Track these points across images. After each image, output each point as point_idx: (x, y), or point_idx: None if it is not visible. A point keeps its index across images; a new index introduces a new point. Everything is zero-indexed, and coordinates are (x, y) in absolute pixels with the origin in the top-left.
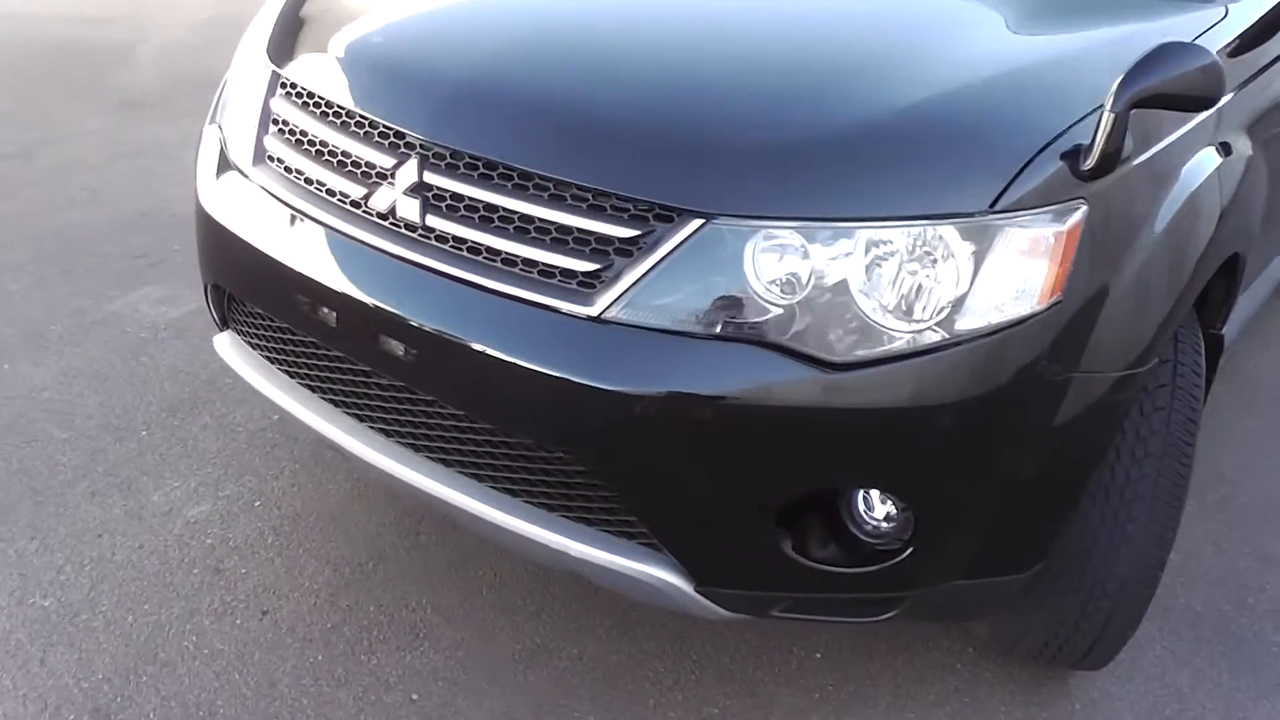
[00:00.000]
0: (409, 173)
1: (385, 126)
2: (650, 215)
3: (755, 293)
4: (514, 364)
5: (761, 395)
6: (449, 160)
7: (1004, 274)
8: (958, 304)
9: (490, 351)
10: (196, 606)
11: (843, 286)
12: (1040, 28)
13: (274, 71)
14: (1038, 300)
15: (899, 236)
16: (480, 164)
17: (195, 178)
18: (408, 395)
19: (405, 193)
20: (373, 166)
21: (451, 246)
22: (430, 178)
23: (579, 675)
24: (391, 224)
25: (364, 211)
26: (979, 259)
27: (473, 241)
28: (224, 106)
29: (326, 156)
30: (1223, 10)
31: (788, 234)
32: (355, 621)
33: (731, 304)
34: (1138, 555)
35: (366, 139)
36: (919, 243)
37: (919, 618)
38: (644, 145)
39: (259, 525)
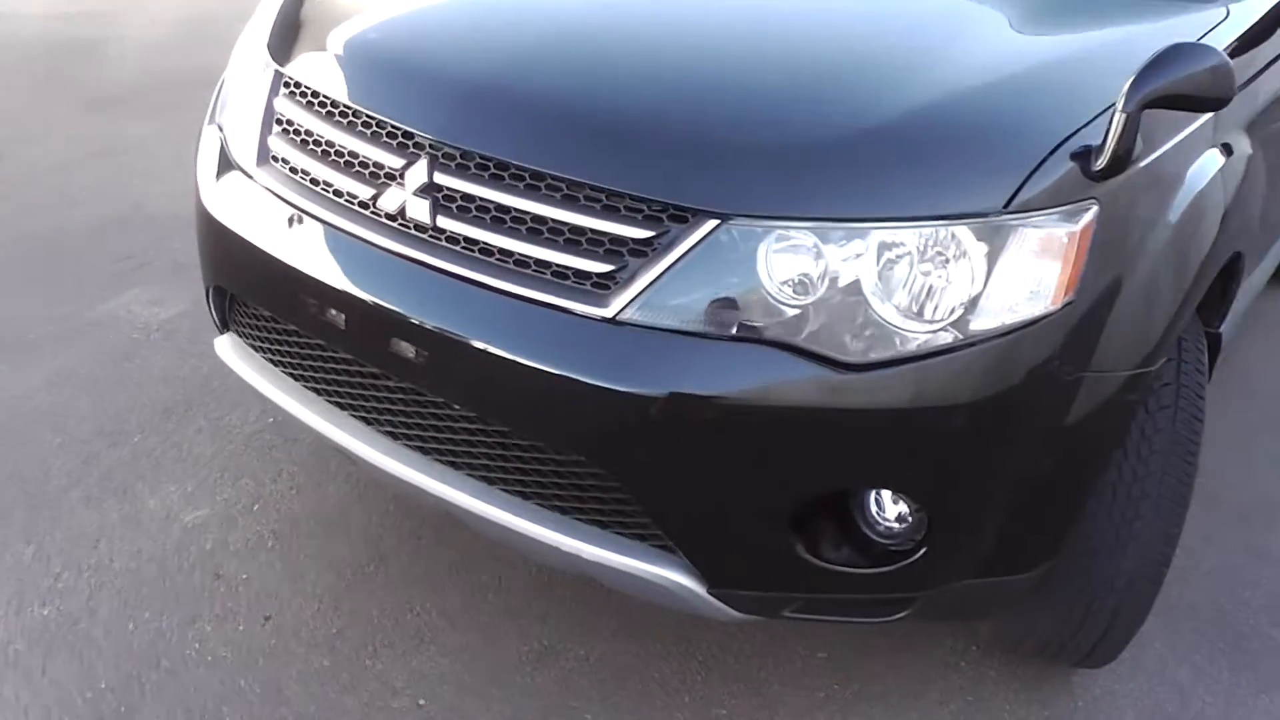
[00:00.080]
0: (419, 173)
1: (394, 126)
2: (664, 216)
3: (770, 293)
4: (527, 366)
5: (777, 396)
6: (459, 161)
7: (1018, 274)
8: (972, 304)
9: (503, 353)
10: (198, 612)
11: (857, 287)
12: (1045, 29)
13: (277, 71)
14: (1051, 301)
15: (913, 237)
16: (491, 164)
17: (196, 178)
18: (417, 397)
19: (415, 193)
20: (381, 167)
21: (462, 248)
22: (440, 178)
23: (586, 677)
24: (401, 225)
25: (372, 212)
26: (993, 259)
27: (484, 243)
28: (223, 106)
29: (333, 157)
30: (1224, 10)
31: (802, 234)
32: (359, 626)
33: (746, 305)
34: (1144, 553)
35: (374, 139)
36: (933, 243)
37: (929, 618)
38: (658, 146)
39: (258, 529)
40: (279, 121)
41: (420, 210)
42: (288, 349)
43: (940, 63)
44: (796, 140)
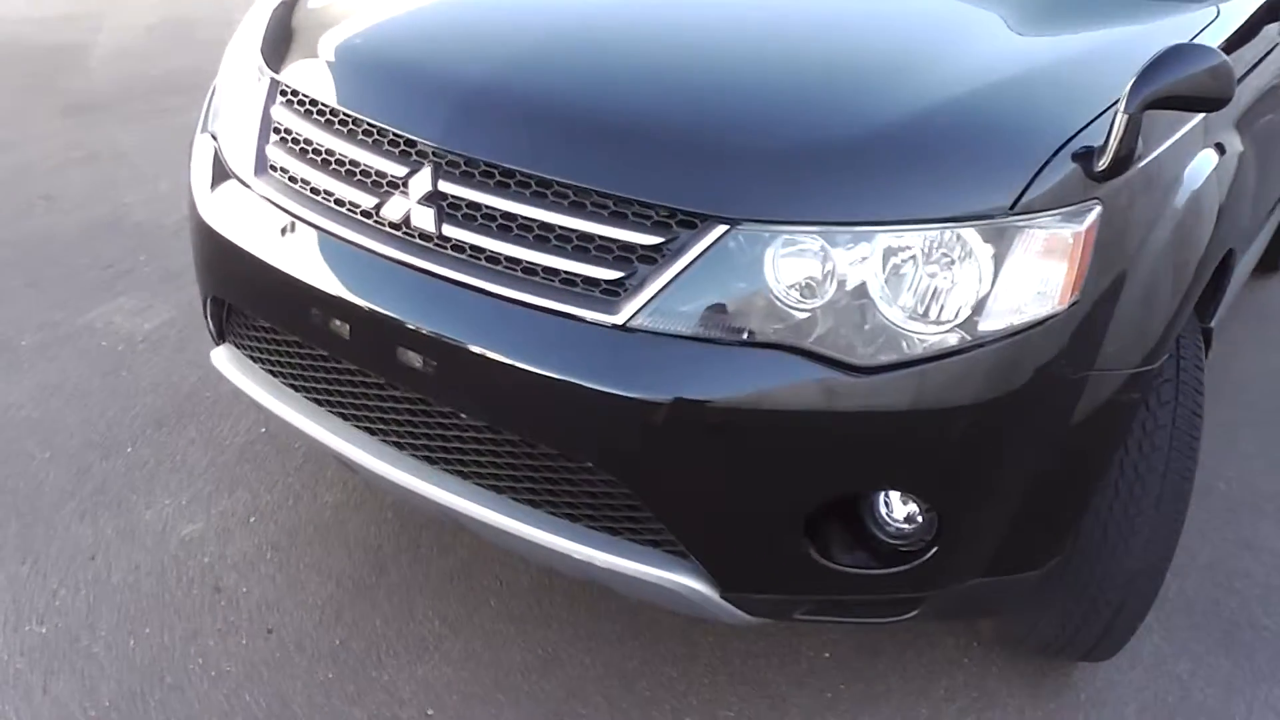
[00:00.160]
0: (422, 181)
1: (395, 134)
2: (673, 222)
3: (780, 298)
4: (536, 373)
5: (790, 400)
6: (464, 168)
7: (1025, 276)
8: (980, 306)
9: (512, 361)
10: (199, 627)
11: (867, 290)
12: (1039, 30)
13: (273, 79)
14: (1058, 301)
15: (920, 239)
16: (496, 171)
17: (190, 188)
18: (423, 407)
19: (419, 202)
20: (384, 175)
21: (469, 256)
22: (445, 186)
23: (593, 682)
24: (405, 233)
25: (375, 221)
26: (1000, 261)
27: (491, 251)
28: (216, 114)
29: (333, 165)
30: (1214, 10)
31: (811, 238)
32: (362, 636)
33: (757, 309)
34: (1147, 548)
35: (375, 147)
36: (941, 245)
37: (938, 617)
38: (666, 151)
39: (256, 541)
40: (276, 130)
41: (425, 219)
42: (288, 360)
43: (942, 64)
44: (804, 144)
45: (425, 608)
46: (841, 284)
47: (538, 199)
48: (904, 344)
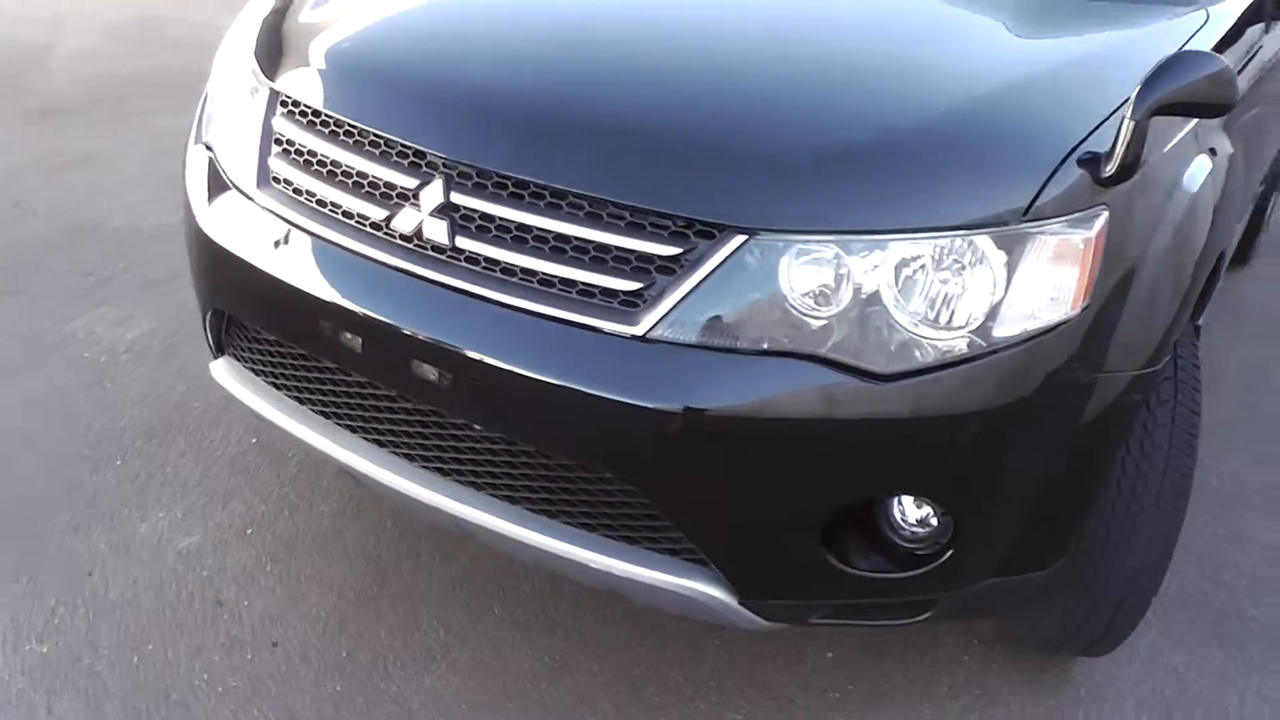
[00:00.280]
0: (434, 193)
1: (404, 145)
2: (691, 232)
3: (798, 307)
4: (555, 385)
5: (809, 408)
6: (476, 180)
7: (1038, 281)
8: (995, 313)
9: (530, 373)
10: (203, 642)
11: (884, 298)
12: (1035, 36)
13: (271, 89)
14: (1070, 306)
15: (935, 247)
16: (510, 183)
17: (187, 200)
18: (436, 419)
19: (432, 214)
20: (393, 187)
21: (484, 268)
22: (458, 198)
23: (600, 689)
24: (417, 246)
25: (386, 234)
26: (1013, 267)
27: (506, 263)
28: (209, 124)
29: (340, 178)
30: (1204, 14)
31: (826, 247)
32: (368, 647)
33: (774, 318)
34: (1148, 546)
35: (384, 159)
36: (955, 253)
37: (950, 617)
38: (683, 161)
39: (255, 553)
40: (278, 142)
41: (438, 231)
42: (293, 372)
43: (949, 71)
44: (820, 154)
45: (430, 617)
46: (858, 292)
47: (553, 210)
48: (920, 351)
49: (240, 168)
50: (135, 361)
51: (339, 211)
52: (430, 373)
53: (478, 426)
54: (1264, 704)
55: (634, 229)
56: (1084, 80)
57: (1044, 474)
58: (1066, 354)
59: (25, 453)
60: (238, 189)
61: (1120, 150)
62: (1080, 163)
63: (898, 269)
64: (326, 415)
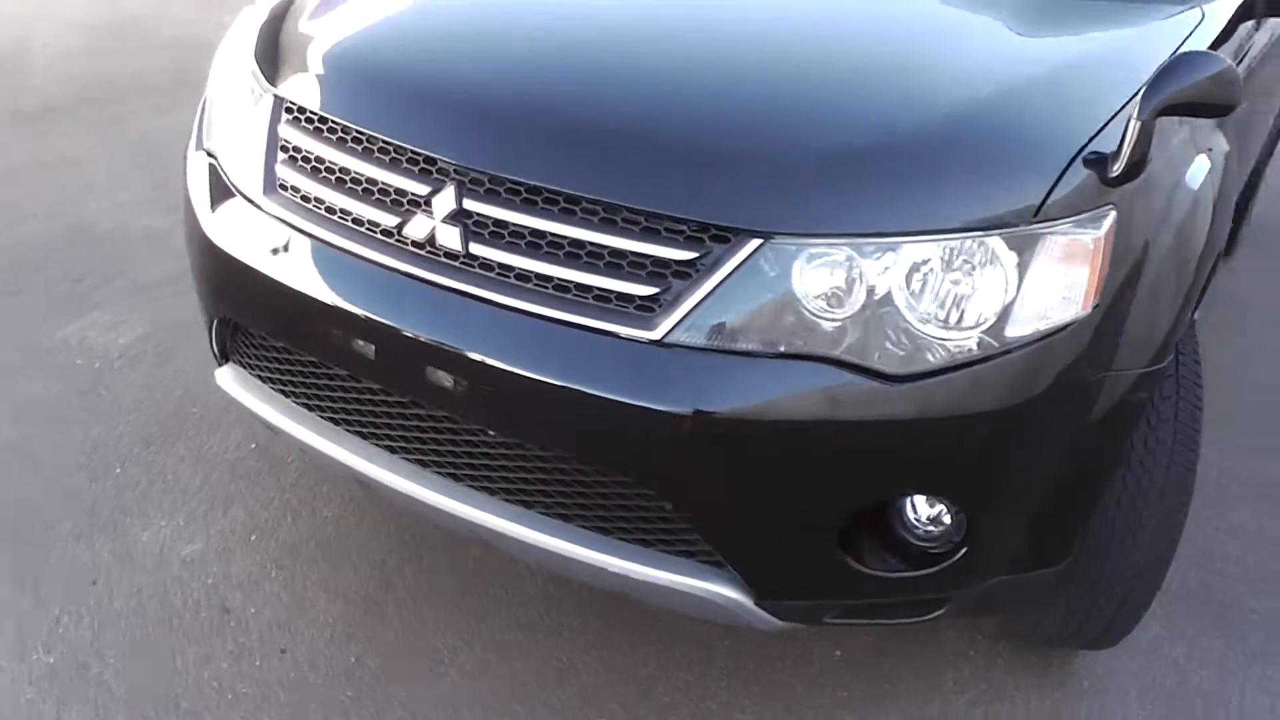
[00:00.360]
0: (446, 200)
1: (414, 152)
2: (706, 236)
3: (814, 310)
4: (572, 390)
5: (827, 410)
6: (488, 186)
7: (1049, 282)
8: (1008, 313)
9: (546, 378)
10: (211, 650)
11: (898, 300)
12: (1036, 36)
13: (276, 96)
14: (1081, 306)
15: (948, 249)
16: (523, 189)
17: (190, 207)
18: (449, 424)
19: (444, 220)
20: (404, 194)
21: (498, 274)
22: (470, 204)
23: (609, 690)
24: (430, 252)
25: (398, 240)
26: (1025, 268)
27: (521, 269)
28: (211, 130)
29: (349, 184)
30: (1199, 12)
31: (840, 250)
32: (377, 652)
33: (790, 321)
34: (1153, 541)
35: (394, 165)
36: (968, 254)
37: (961, 614)
38: (697, 166)
39: (259, 560)
40: (284, 149)
41: (451, 237)
42: (302, 379)
43: (956, 73)
44: (833, 157)
45: (436, 621)
46: (872, 295)
47: (567, 215)
48: (935, 352)
49: (246, 175)
50: (130, 367)
51: (349, 218)
52: (444, 379)
53: (492, 432)
54: (1264, 695)
55: (649, 234)
56: (1087, 80)
57: (1054, 472)
58: (1077, 353)
59: (22, 462)
60: (244, 196)
61: (1127, 150)
62: (1087, 163)
63: (910, 271)
64: (336, 421)
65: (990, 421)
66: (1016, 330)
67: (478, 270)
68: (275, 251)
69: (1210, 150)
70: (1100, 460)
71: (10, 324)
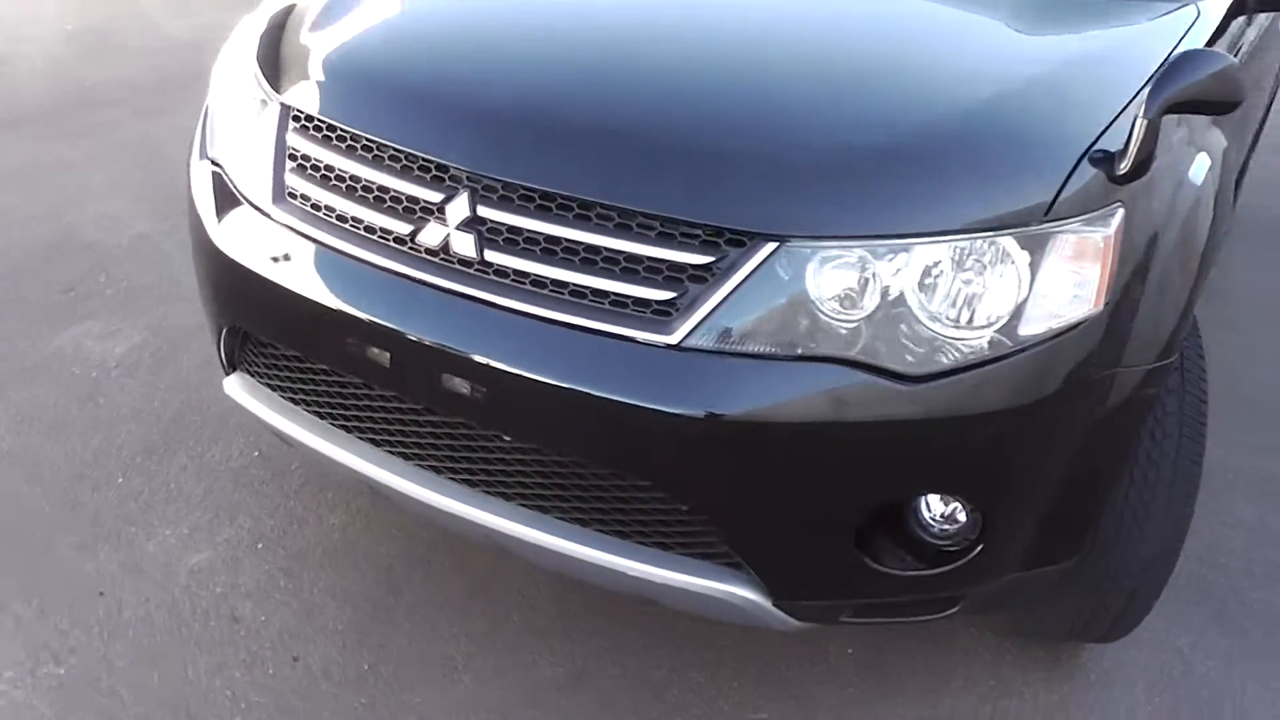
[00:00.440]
0: (460, 207)
1: (426, 159)
2: (721, 240)
3: (830, 311)
4: (590, 395)
5: (844, 411)
6: (502, 193)
7: (1061, 280)
8: (1021, 312)
9: (564, 384)
10: (223, 659)
11: (913, 301)
12: (1036, 36)
13: (283, 104)
14: (1093, 304)
15: (961, 249)
16: (536, 195)
17: (197, 216)
18: (466, 431)
19: (459, 228)
20: (416, 201)
21: (513, 280)
22: (484, 211)
23: (623, 693)
24: (444, 260)
25: (411, 248)
26: (1037, 267)
27: (536, 275)
28: (214, 139)
29: (360, 192)
30: (1195, 9)
31: (857, 252)
32: (389, 659)
33: (807, 323)
34: (1161, 533)
35: (405, 173)
36: (980, 255)
37: (975, 612)
38: (711, 170)
39: (267, 568)
40: (293, 157)
41: (465, 245)
42: (313, 387)
43: (962, 75)
44: (847, 160)
45: (448, 626)
46: (887, 296)
47: (581, 221)
48: (950, 352)
49: (254, 184)
50: (127, 376)
51: (361, 226)
52: (460, 385)
53: (508, 437)
54: (1268, 683)
55: (664, 238)
56: (1090, 79)
57: (1067, 468)
58: (1089, 350)
59: (23, 473)
60: (253, 205)
61: (1134, 148)
62: (1094, 162)
63: (924, 272)
64: (349, 429)
65: (1005, 420)
66: (1030, 329)
67: (493, 277)
68: (287, 260)
69: (1209, 146)
70: (1112, 455)
71: (3, 332)
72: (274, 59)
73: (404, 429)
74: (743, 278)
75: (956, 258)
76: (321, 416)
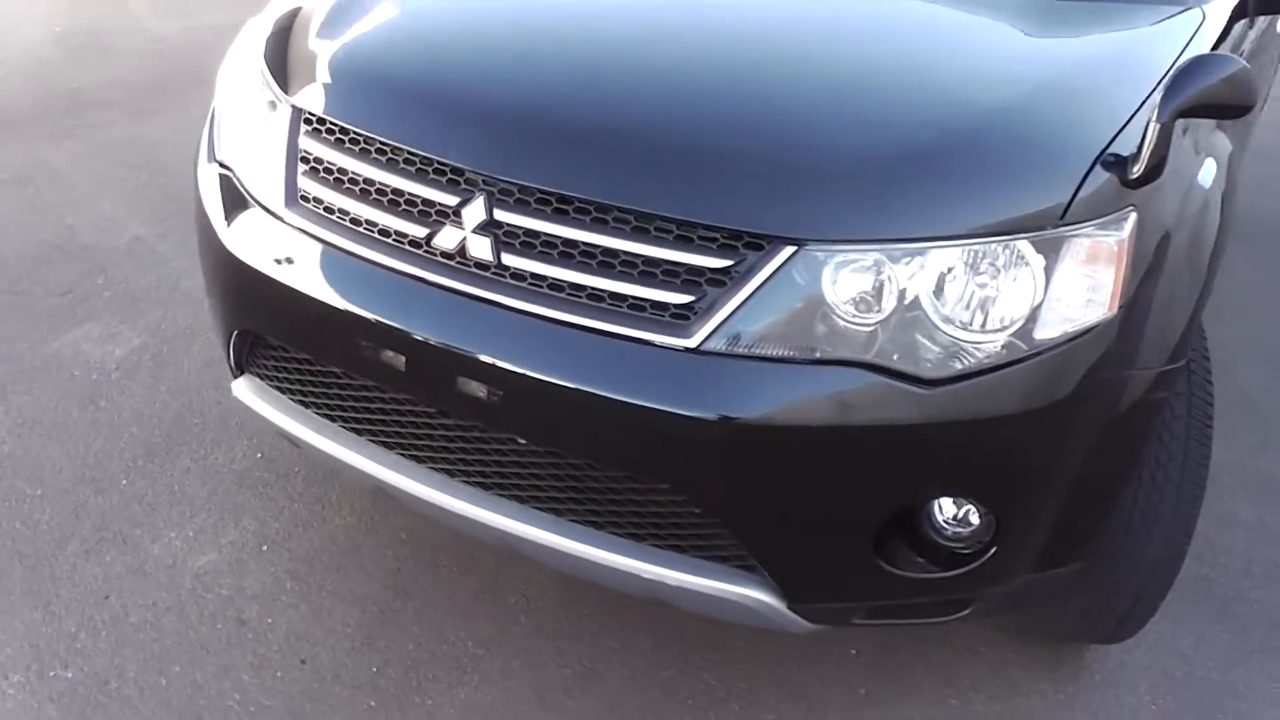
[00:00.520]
0: (477, 211)
1: (441, 163)
2: (739, 244)
3: (848, 315)
4: (608, 399)
5: (862, 414)
6: (519, 196)
7: (1076, 284)
8: (1037, 315)
9: (582, 387)
10: (230, 662)
11: (929, 305)
12: (1046, 40)
13: (294, 107)
14: (1107, 307)
15: (978, 253)
16: (553, 199)
17: (206, 220)
18: (479, 434)
19: (475, 231)
20: (432, 205)
21: (530, 284)
22: (501, 215)
23: (632, 694)
24: (460, 263)
25: (427, 251)
26: (1052, 271)
27: (554, 278)
28: (223, 142)
29: (374, 196)
30: (1199, 13)
31: (874, 256)
32: (398, 662)
33: (825, 327)
34: (1168, 535)
35: (420, 176)
36: (996, 258)
37: (987, 614)
38: (729, 174)
39: (273, 570)
40: (305, 160)
41: (482, 248)
42: (325, 390)
43: (976, 80)
44: (865, 163)
45: (456, 628)
46: (904, 299)
47: (599, 225)
48: (966, 356)
49: (266, 187)
50: (127, 379)
51: (375, 229)
52: (476, 389)
53: (523, 440)
54: (1270, 682)
55: (682, 242)
56: (1101, 83)
57: (1081, 470)
58: (1104, 354)
59: (25, 476)
60: (265, 208)
61: (1147, 152)
62: (1107, 165)
63: (940, 276)
64: (360, 432)
65: (1021, 423)
66: (1045, 333)
67: (510, 280)
68: (300, 263)
69: (1215, 149)
70: (1123, 457)
71: (2, 334)
72: (283, 61)
73: (417, 432)
74: (761, 281)
75: (972, 261)
76: (333, 419)
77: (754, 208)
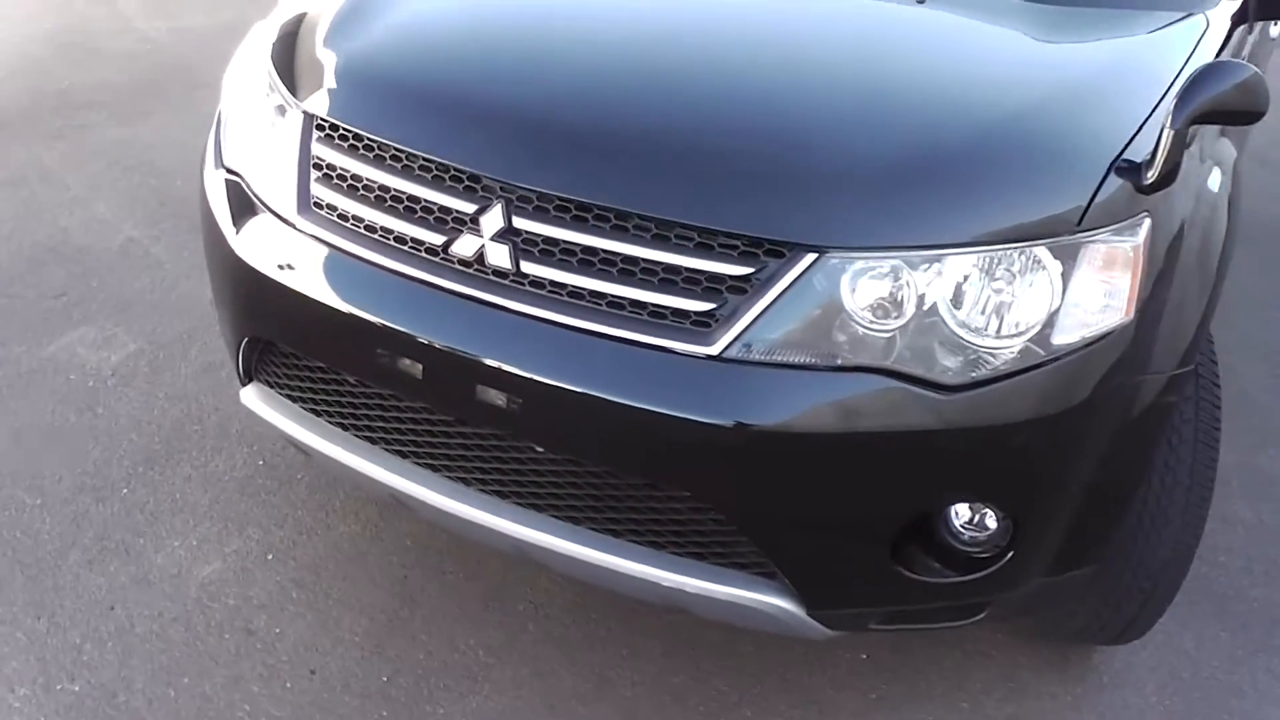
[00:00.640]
0: (495, 218)
1: (458, 170)
2: (760, 251)
3: (868, 322)
4: (629, 406)
5: (883, 420)
6: (537, 204)
7: (1093, 290)
8: (1054, 321)
9: (604, 395)
10: (239, 673)
11: (948, 311)
12: (1056, 47)
13: (306, 112)
14: (1123, 312)
15: (996, 259)
16: (572, 206)
17: (215, 227)
18: (497, 442)
19: (493, 239)
20: (449, 212)
21: (549, 292)
22: (520, 223)
23: (644, 701)
24: (478, 271)
25: (444, 259)
26: (1069, 277)
27: (574, 286)
28: (231, 148)
29: (390, 203)
30: (1203, 19)
31: (894, 263)
32: (408, 671)
33: (846, 334)
34: (1177, 537)
35: (437, 183)
36: (1015, 265)
37: (1002, 617)
38: (750, 181)
39: (278, 579)
40: (318, 166)
41: (500, 256)
42: (336, 398)
43: (990, 87)
44: (883, 171)
45: (466, 636)
46: (922, 306)
47: (619, 233)
48: (985, 362)
49: (277, 193)
50: (124, 385)
51: (391, 237)
52: (495, 397)
53: (541, 448)
54: (1273, 680)
55: (702, 249)
56: (1112, 90)
57: (1096, 474)
58: (1120, 358)
59: (24, 484)
60: (276, 215)
61: (1161, 158)
62: (1121, 172)
63: (958, 282)
64: (373, 440)
65: (1039, 428)
66: (1063, 338)
67: (529, 288)
68: (313, 271)
69: (1220, 156)
70: (1136, 461)
71: None
72: (291, 66)
73: (434, 440)
74: (782, 289)
75: (990, 268)
76: (345, 428)
77: (774, 215)
